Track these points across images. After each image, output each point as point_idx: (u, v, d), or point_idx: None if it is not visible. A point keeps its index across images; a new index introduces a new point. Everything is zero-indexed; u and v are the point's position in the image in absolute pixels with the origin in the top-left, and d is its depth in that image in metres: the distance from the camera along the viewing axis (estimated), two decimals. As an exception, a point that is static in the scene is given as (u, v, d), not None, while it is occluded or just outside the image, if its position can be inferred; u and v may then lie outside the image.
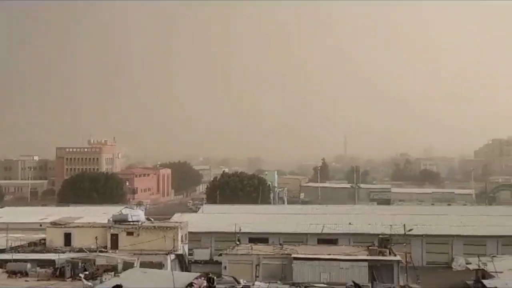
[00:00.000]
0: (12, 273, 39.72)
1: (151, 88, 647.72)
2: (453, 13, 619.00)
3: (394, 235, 52.13)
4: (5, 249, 49.54)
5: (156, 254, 47.42)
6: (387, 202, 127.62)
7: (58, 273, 39.53)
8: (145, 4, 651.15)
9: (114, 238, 49.95)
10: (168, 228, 50.58)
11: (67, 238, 50.81)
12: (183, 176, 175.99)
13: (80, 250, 47.41)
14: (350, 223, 66.06)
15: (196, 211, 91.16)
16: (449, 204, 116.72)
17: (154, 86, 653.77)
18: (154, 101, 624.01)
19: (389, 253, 46.47)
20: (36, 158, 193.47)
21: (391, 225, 58.91)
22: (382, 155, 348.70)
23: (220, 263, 48.25)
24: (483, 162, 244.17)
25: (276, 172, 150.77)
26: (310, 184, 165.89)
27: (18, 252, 48.32)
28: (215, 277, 37.62)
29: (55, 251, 47.12)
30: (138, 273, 39.90)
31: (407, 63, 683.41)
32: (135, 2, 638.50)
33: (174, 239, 49.23)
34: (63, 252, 46.14)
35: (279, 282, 40.94)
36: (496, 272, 44.26)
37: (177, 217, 69.00)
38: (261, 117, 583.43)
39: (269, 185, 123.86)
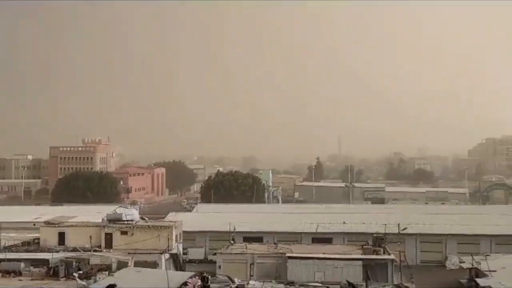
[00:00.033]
0: (6, 273, 39.61)
1: (148, 88, 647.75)
2: (446, 13, 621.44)
3: (388, 234, 52.20)
4: (-2, 248, 49.36)
5: (150, 253, 47.34)
6: (381, 201, 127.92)
7: (52, 272, 39.45)
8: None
9: (108, 238, 49.83)
10: (162, 228, 50.50)
11: (61, 237, 50.63)
12: (177, 175, 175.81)
13: (74, 250, 47.28)
14: (344, 222, 66.10)
15: (190, 210, 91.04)
16: (443, 203, 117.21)
17: (151, 86, 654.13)
18: (150, 100, 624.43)
19: (383, 252, 46.55)
20: (29, 157, 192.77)
21: (385, 224, 58.93)
22: (376, 154, 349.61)
23: (215, 262, 48.17)
24: (477, 161, 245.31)
25: (270, 171, 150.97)
26: (305, 183, 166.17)
27: (12, 251, 48.10)
28: (209, 276, 37.62)
29: (49, 250, 46.94)
30: (132, 273, 39.82)
31: (401, 63, 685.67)
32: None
33: (168, 238, 49.16)
34: (57, 252, 45.96)
35: (273, 281, 40.97)
36: (489, 271, 44.43)
37: (171, 216, 68.89)
38: (256, 116, 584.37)
39: (264, 184, 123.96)
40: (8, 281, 38.20)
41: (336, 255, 45.32)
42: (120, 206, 60.65)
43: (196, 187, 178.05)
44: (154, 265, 46.39)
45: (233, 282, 39.68)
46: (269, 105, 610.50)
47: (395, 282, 43.21)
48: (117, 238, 49.59)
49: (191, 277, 38.20)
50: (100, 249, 48.18)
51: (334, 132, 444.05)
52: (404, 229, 54.31)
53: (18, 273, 39.79)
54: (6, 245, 50.92)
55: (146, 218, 56.30)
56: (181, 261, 52.71)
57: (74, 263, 40.26)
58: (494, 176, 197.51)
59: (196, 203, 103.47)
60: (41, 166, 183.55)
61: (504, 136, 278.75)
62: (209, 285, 36.00)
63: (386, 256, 45.60)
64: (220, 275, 43.44)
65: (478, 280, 43.85)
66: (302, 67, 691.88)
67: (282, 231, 64.15)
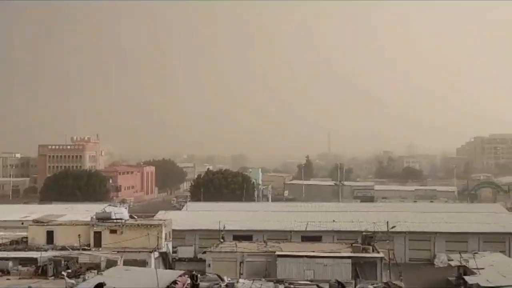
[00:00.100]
0: (-6, 272, 39.32)
1: (139, 87, 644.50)
2: (433, 14, 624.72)
3: (377, 232, 52.47)
4: (-14, 247, 48.97)
5: (139, 252, 47.17)
6: (370, 199, 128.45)
7: (41, 271, 39.20)
8: (138, 4, 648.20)
9: (97, 236, 49.62)
10: (152, 226, 50.35)
11: (50, 236, 50.33)
12: (167, 173, 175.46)
13: (63, 248, 47.03)
14: (334, 221, 66.38)
15: (180, 209, 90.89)
16: (431, 201, 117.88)
17: (142, 85, 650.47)
18: (141, 99, 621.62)
19: (372, 250, 46.76)
20: (18, 155, 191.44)
21: (374, 222, 59.31)
22: (365, 152, 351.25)
23: (204, 260, 48.15)
24: (465, 160, 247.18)
25: (260, 170, 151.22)
26: (294, 181, 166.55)
27: (0, 250, 47.78)
28: (199, 275, 37.57)
29: (37, 249, 46.65)
30: (121, 271, 39.66)
31: (390, 63, 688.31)
32: (131, 2, 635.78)
33: (158, 237, 49.05)
34: (46, 250, 45.64)
35: (263, 279, 40.97)
36: (477, 268, 44.79)
37: (161, 215, 68.73)
38: (246, 115, 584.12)
39: (254, 182, 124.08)
40: (-4, 280, 37.94)
41: (326, 253, 45.48)
42: (109, 205, 60.19)
43: (185, 186, 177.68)
44: (143, 263, 46.24)
45: (222, 280, 39.64)
46: (259, 103, 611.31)
47: (384, 280, 43.42)
48: (106, 237, 49.40)
49: (180, 276, 38.11)
50: (89, 248, 47.98)
51: (323, 130, 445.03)
52: (393, 227, 54.59)
53: (6, 272, 39.51)
54: (-6, 244, 50.51)
55: (136, 217, 56.08)
56: (170, 259, 52.61)
57: (62, 262, 40.03)
58: (482, 174, 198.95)
59: (185, 202, 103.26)
60: (30, 165, 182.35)
61: (492, 134, 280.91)
62: (199, 284, 35.93)
63: (375, 254, 45.81)
64: (210, 273, 43.39)
65: (466, 278, 44.19)
66: (292, 67, 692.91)
67: (271, 229, 64.27)
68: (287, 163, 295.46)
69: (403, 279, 45.50)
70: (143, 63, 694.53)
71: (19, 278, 38.19)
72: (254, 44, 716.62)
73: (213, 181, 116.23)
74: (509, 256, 55.30)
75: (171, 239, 54.38)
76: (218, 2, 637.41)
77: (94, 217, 51.40)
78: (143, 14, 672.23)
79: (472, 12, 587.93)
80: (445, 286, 49.79)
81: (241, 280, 39.47)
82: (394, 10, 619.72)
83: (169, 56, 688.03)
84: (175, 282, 36.43)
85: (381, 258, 45.22)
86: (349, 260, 44.06)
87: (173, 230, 55.76)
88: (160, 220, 55.56)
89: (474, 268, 45.05)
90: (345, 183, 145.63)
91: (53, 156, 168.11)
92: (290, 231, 63.64)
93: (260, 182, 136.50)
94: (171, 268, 49.61)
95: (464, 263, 48.06)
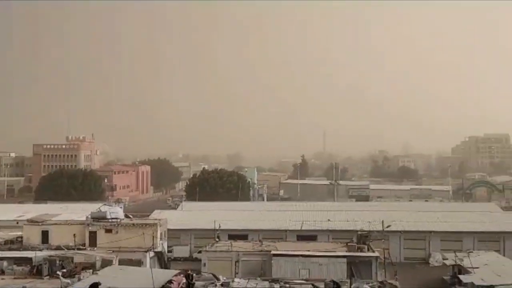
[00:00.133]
0: (-12, 272, 39.21)
1: (134, 86, 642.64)
2: (428, 14, 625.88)
3: (373, 232, 52.59)
4: (-19, 247, 48.80)
5: (135, 251, 47.13)
6: (365, 198, 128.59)
7: (35, 271, 39.15)
8: (133, 4, 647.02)
9: (93, 236, 49.57)
10: (147, 225, 50.32)
11: (45, 235, 50.26)
12: (162, 173, 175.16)
13: (58, 248, 46.95)
14: (329, 220, 66.49)
15: (175, 208, 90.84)
16: (426, 201, 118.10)
17: (137, 85, 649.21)
18: (136, 99, 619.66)
19: (368, 249, 46.88)
20: (12, 154, 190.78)
21: (369, 222, 59.47)
22: (361, 152, 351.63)
23: (200, 260, 48.19)
24: (460, 159, 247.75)
25: (255, 169, 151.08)
26: (290, 181, 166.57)
27: (-6, 250, 47.64)
28: (194, 274, 37.59)
29: (32, 249, 46.55)
30: (117, 271, 39.63)
31: (385, 63, 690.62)
32: (127, 2, 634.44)
33: (153, 236, 49.02)
34: (40, 250, 45.56)
35: (258, 278, 41.02)
36: (472, 267, 44.98)
37: (156, 214, 68.70)
38: (241, 114, 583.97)
39: (249, 182, 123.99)
40: (-9, 280, 37.82)
41: (321, 253, 45.57)
42: (105, 204, 60.11)
43: (181, 185, 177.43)
44: (138, 263, 46.19)
45: (218, 279, 39.68)
46: (255, 103, 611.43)
47: (379, 279, 43.51)
48: (102, 236, 49.35)
49: (175, 275, 38.14)
50: (84, 247, 47.91)
51: (319, 130, 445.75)
52: (388, 226, 54.70)
53: (0, 272, 39.45)
54: (-11, 243, 50.32)
55: (131, 216, 56.01)
56: (166, 259, 52.58)
57: (57, 262, 39.95)
58: (476, 173, 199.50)
59: (181, 201, 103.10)
60: (24, 164, 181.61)
61: (487, 134, 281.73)
62: (194, 283, 35.96)
63: (370, 253, 45.93)
64: (205, 273, 43.42)
65: (461, 277, 44.38)
66: (287, 66, 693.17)
67: (267, 228, 64.30)
68: (283, 163, 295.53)
69: (398, 278, 45.61)
70: (139, 62, 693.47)
71: (14, 278, 38.12)
72: (250, 43, 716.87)
73: (208, 181, 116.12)
74: (504, 255, 55.41)
75: (166, 238, 54.36)
76: (214, 2, 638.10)
77: (89, 216, 51.34)
78: (140, 13, 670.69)
79: (469, 13, 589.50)
80: (440, 285, 49.98)
81: (236, 280, 39.52)
82: (391, 10, 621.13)
83: (164, 55, 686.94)
84: (170, 281, 36.45)
85: (376, 257, 45.34)
86: (344, 259, 44.16)
87: (169, 230, 55.74)
88: (155, 219, 55.51)
89: (469, 267, 45.24)
90: (341, 182, 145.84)
91: (48, 155, 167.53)
92: (286, 231, 63.68)
93: (256, 182, 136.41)
94: (166, 268, 49.58)
95: (459, 262, 48.25)
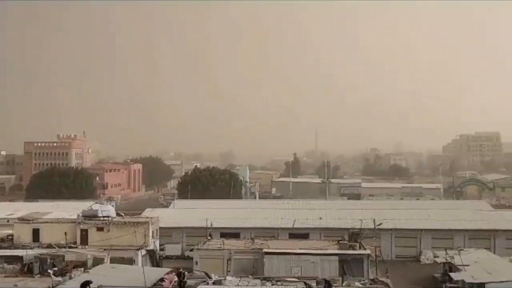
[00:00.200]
0: (-21, 270, 38.98)
1: (127, 85, 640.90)
2: (418, 13, 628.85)
3: (364, 230, 52.70)
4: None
5: (126, 249, 47.06)
6: (357, 196, 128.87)
7: (26, 269, 39.02)
8: (128, 4, 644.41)
9: (84, 234, 49.40)
10: (139, 224, 50.21)
11: (35, 234, 50.01)
12: (154, 171, 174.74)
13: (49, 246, 46.75)
14: (321, 218, 66.62)
15: (167, 206, 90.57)
16: (417, 199, 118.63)
17: (130, 83, 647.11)
18: (129, 97, 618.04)
19: (359, 247, 47.00)
20: (3, 152, 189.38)
21: (361, 220, 59.44)
22: (352, 150, 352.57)
23: (192, 258, 48.12)
24: (451, 158, 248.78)
25: (248, 167, 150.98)
26: (282, 179, 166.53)
27: (-15, 248, 47.35)
28: (186, 272, 37.55)
29: (23, 247, 46.38)
30: (108, 269, 39.56)
31: (378, 62, 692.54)
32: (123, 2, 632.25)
33: (145, 234, 48.94)
34: (31, 248, 45.38)
35: (250, 276, 41.01)
36: (463, 265, 45.21)
37: (148, 213, 68.53)
38: (233, 113, 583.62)
39: (241, 180, 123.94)
40: (-19, 278, 37.60)
41: (313, 251, 45.65)
42: (96, 202, 59.96)
43: (173, 183, 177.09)
44: (130, 261, 46.13)
45: (210, 278, 39.65)
46: (247, 102, 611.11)
47: (371, 277, 43.66)
48: (93, 235, 49.20)
49: (167, 273, 38.11)
50: (75, 246, 47.74)
51: (311, 128, 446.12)
52: (380, 224, 54.92)
53: (-9, 270, 39.23)
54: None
55: (122, 214, 55.87)
56: (157, 257, 52.52)
57: (48, 260, 39.83)
58: (467, 172, 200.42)
59: (173, 199, 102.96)
60: (15, 162, 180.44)
61: (478, 132, 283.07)
62: (186, 281, 35.91)
63: (362, 251, 46.06)
64: (197, 271, 43.39)
65: (452, 274, 44.65)
66: (280, 65, 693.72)
67: (259, 226, 64.31)
68: (275, 161, 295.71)
69: (389, 276, 45.75)
70: (132, 62, 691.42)
71: (5, 277, 37.91)
72: (243, 43, 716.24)
73: (200, 179, 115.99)
74: (494, 253, 55.78)
75: (158, 236, 54.26)
76: (209, 2, 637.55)
77: (81, 214, 51.13)
78: (137, 12, 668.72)
79: (460, 13, 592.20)
80: (431, 282, 50.21)
81: (228, 278, 39.48)
82: (383, 11, 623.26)
83: (159, 54, 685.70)
84: (162, 279, 36.43)
85: (368, 255, 45.47)
86: (336, 257, 44.25)
87: (160, 228, 55.61)
88: (147, 217, 55.43)
89: (460, 265, 45.48)
90: (332, 180, 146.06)
91: (39, 153, 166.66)
92: (278, 229, 63.71)
93: (248, 180, 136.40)
94: (158, 266, 49.55)
95: (449, 260, 48.49)
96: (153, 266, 49.06)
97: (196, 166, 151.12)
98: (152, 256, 50.61)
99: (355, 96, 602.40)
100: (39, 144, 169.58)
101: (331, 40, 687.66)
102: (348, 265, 44.35)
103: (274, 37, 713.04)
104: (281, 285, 36.88)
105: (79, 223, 49.96)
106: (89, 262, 41.60)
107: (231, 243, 49.01)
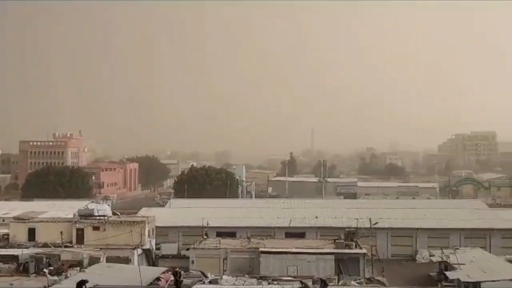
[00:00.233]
0: (-26, 269, 38.87)
1: (124, 84, 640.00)
2: (415, 15, 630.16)
3: (360, 229, 52.83)
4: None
5: (122, 249, 47.01)
6: (353, 196, 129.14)
7: (22, 268, 38.92)
8: (127, 4, 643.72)
9: (80, 233, 49.34)
10: (135, 223, 50.17)
11: (31, 233, 49.95)
12: (150, 170, 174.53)
13: (45, 245, 46.67)
14: (317, 217, 66.68)
15: (163, 206, 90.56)
16: (413, 198, 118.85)
17: (127, 82, 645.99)
18: (126, 96, 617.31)
19: (355, 246, 47.10)
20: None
21: (357, 219, 59.63)
22: (348, 149, 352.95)
23: (188, 257, 48.13)
24: (447, 157, 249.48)
25: (244, 166, 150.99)
26: (278, 178, 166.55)
27: (-20, 247, 47.24)
28: (182, 272, 37.52)
29: (19, 246, 46.29)
30: (104, 268, 39.50)
31: (373, 63, 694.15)
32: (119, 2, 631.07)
33: (141, 233, 48.90)
34: (27, 248, 45.31)
35: (246, 275, 41.05)
36: (458, 264, 45.35)
37: (144, 212, 68.47)
38: (230, 112, 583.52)
39: (237, 179, 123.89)
40: (-23, 277, 37.49)
41: (309, 250, 45.70)
42: (92, 202, 59.92)
43: (169, 182, 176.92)
44: (126, 260, 46.09)
45: (206, 277, 39.66)
46: (244, 101, 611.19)
47: (367, 276, 43.77)
48: (89, 234, 49.14)
49: (163, 273, 38.09)
50: (71, 245, 47.67)
51: (307, 127, 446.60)
52: (376, 223, 55.00)
53: (-13, 270, 39.12)
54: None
55: (119, 214, 55.80)
56: (153, 256, 52.48)
57: (44, 259, 39.75)
58: (463, 171, 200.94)
59: (169, 198, 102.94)
60: (11, 161, 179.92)
61: (473, 132, 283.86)
62: (182, 281, 35.88)
63: (358, 250, 46.14)
64: (193, 270, 43.41)
65: (447, 273, 44.76)
66: (276, 66, 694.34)
67: (255, 226, 64.33)
68: (271, 160, 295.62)
69: (385, 274, 45.91)
70: (130, 61, 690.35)
71: (0, 276, 37.81)
72: (239, 43, 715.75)
73: (196, 178, 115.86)
74: (490, 252, 55.95)
75: (154, 236, 54.22)
76: (204, 3, 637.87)
77: (77, 214, 51.05)
78: (135, 12, 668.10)
79: (457, 13, 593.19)
80: (426, 281, 50.31)
81: (224, 277, 39.49)
82: (380, 10, 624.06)
83: (157, 54, 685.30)
84: (158, 279, 36.40)
85: (364, 254, 45.56)
86: (332, 256, 44.34)
87: (157, 227, 55.59)
88: (143, 217, 55.41)
89: (455, 264, 45.62)
90: (329, 179, 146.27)
91: (35, 152, 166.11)
92: (274, 228, 63.76)
93: (244, 179, 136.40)
94: (154, 265, 49.51)
95: (445, 259, 48.66)
96: (149, 265, 49.02)
97: (192, 165, 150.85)
98: (148, 255, 50.58)
99: (351, 96, 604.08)
100: (35, 143, 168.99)
101: (328, 40, 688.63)
102: (344, 264, 44.43)
103: (272, 37, 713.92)
104: (277, 284, 36.91)
105: (75, 222, 49.89)
106: (85, 261, 41.55)
107: (227, 242, 49.06)
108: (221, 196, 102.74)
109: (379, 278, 43.91)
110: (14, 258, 41.07)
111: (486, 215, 70.10)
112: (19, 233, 50.08)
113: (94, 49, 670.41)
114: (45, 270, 38.12)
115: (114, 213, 54.25)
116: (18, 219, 52.57)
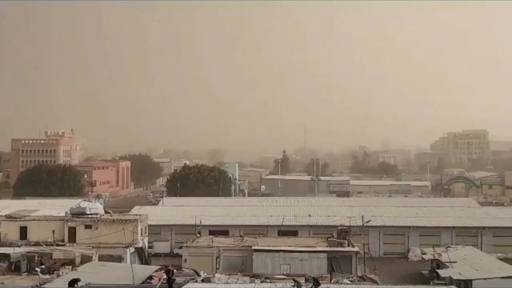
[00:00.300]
0: (-35, 268, 38.67)
1: (117, 82, 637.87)
2: (407, 15, 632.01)
3: (353, 227, 52.97)
4: (-43, 243, 48.09)
5: (115, 247, 46.90)
6: (346, 194, 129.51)
7: (14, 267, 38.77)
8: (122, 4, 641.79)
9: (72, 232, 49.17)
10: (127, 221, 50.06)
11: (23, 231, 49.71)
12: (143, 168, 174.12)
13: (37, 244, 46.49)
14: (309, 215, 66.80)
15: (156, 204, 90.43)
16: (405, 196, 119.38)
17: (120, 81, 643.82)
18: (119, 93, 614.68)
19: (348, 244, 47.20)
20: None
21: (349, 217, 59.91)
22: (341, 147, 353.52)
23: (181, 256, 48.10)
24: (439, 155, 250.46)
25: (237, 165, 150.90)
26: (271, 176, 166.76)
27: (-29, 246, 46.97)
28: (175, 270, 37.52)
29: (10, 245, 46.06)
30: (97, 267, 39.43)
31: (366, 62, 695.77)
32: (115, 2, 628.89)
33: (133, 232, 48.78)
34: (19, 246, 45.09)
35: (239, 274, 41.09)
36: (450, 262, 45.60)
37: (136, 210, 68.30)
38: (222, 110, 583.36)
39: (230, 177, 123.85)
40: (-32, 276, 37.31)
41: (302, 248, 45.78)
42: (84, 200, 59.67)
43: (162, 181, 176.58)
44: (119, 259, 46.00)
45: (199, 275, 39.68)
46: (236, 99, 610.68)
47: (359, 274, 43.93)
48: (81, 232, 48.97)
49: (156, 271, 38.09)
50: (63, 244, 47.51)
51: (300, 126, 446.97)
52: (368, 221, 55.17)
53: (-22, 269, 38.92)
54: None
55: (111, 212, 55.66)
56: (146, 255, 52.39)
57: (36, 258, 39.60)
58: (455, 169, 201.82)
59: (161, 197, 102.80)
60: (2, 159, 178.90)
61: (465, 130, 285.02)
62: (175, 279, 35.87)
63: (350, 248, 46.27)
64: (186, 268, 43.40)
65: (439, 271, 45.01)
66: (269, 65, 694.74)
67: (248, 224, 64.36)
68: (264, 158, 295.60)
69: (377, 272, 46.07)
70: (123, 59, 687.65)
71: (-8, 274, 37.66)
72: (232, 42, 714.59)
73: (189, 176, 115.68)
74: (481, 250, 56.30)
75: (147, 234, 54.12)
76: (198, 2, 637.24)
77: (69, 212, 50.86)
78: (131, 12, 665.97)
79: (448, 13, 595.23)
80: (418, 279, 50.55)
81: (217, 275, 39.53)
82: (371, 10, 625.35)
83: (149, 52, 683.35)
84: (151, 277, 36.40)
85: (356, 252, 45.70)
86: (325, 254, 44.44)
87: (149, 225, 55.48)
88: (136, 215, 55.25)
89: (447, 262, 45.88)
90: (321, 178, 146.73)
91: (26, 150, 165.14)
92: (267, 226, 63.82)
93: (237, 177, 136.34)
94: (147, 264, 49.42)
95: (437, 257, 48.91)
96: (142, 263, 48.93)
97: (185, 164, 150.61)
98: (140, 254, 50.49)
99: (343, 94, 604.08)
100: (27, 141, 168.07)
101: (321, 40, 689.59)
102: (337, 262, 44.55)
103: (265, 37, 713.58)
104: (270, 282, 36.99)
105: (67, 220, 49.71)
106: (77, 260, 41.41)
107: (220, 241, 49.08)
108: (214, 195, 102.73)
109: (371, 276, 44.08)
110: (6, 256, 40.88)
111: (477, 213, 70.51)
112: (11, 231, 49.85)
113: (88, 48, 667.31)
114: (37, 269, 37.98)
115: (106, 212, 54.10)
116: (9, 217, 52.29)
